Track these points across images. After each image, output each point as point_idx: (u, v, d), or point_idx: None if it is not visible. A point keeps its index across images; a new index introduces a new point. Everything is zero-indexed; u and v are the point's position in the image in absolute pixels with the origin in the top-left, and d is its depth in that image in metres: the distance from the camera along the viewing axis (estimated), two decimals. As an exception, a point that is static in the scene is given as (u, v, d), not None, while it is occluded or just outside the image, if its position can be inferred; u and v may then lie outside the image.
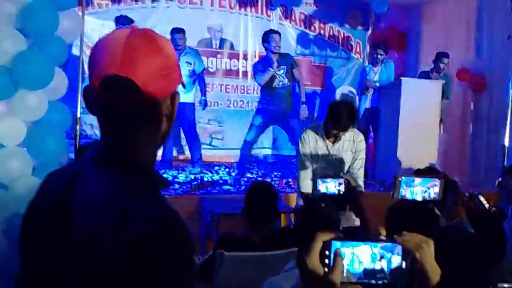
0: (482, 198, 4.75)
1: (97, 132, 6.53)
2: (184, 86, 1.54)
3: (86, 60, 5.71)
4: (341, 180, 3.65)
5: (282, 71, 7.32)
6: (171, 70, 1.28)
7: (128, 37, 1.25)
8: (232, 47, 9.20)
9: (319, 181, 3.70)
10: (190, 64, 7.50)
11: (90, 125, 7.65)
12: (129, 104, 1.24)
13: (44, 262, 1.28)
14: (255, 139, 7.67)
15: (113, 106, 1.26)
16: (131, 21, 7.38)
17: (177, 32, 7.49)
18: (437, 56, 8.31)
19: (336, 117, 4.45)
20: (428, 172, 4.04)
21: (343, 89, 9.97)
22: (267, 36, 7.33)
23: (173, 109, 1.33)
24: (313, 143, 4.67)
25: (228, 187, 6.86)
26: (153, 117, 1.29)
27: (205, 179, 7.46)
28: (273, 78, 7.30)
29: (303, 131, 4.94)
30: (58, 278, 1.23)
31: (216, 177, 7.64)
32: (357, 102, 8.98)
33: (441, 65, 8.22)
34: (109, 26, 7.61)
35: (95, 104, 1.28)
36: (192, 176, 7.40)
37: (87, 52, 6.53)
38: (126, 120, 1.27)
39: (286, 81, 7.37)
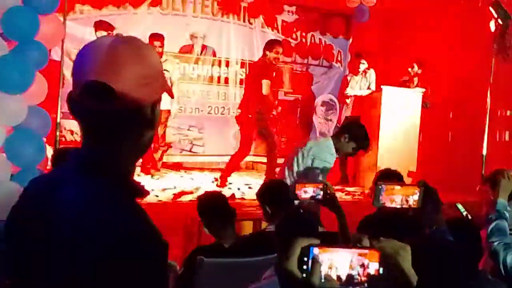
0: (460, 206, 4.79)
1: (77, 138, 6.51)
2: (172, 96, 1.54)
3: (66, 65, 5.73)
4: (320, 185, 3.66)
5: None
6: (154, 79, 1.29)
7: (111, 44, 1.26)
8: (214, 54, 9.19)
9: (298, 186, 3.70)
10: (168, 72, 7.44)
11: (70, 131, 7.59)
12: (109, 111, 1.24)
13: (26, 268, 1.28)
14: None
15: (93, 112, 1.26)
16: (111, 26, 7.26)
17: (155, 39, 7.39)
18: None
19: (366, 140, 4.63)
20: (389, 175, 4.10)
21: (324, 97, 10.02)
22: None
23: (155, 117, 1.33)
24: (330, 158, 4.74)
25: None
26: (134, 125, 1.29)
27: (187, 185, 7.42)
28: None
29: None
30: (37, 283, 1.24)
31: (197, 184, 7.61)
32: (338, 110, 9.04)
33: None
34: (91, 32, 7.56)
35: (77, 110, 1.29)
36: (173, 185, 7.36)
37: (70, 57, 6.52)
38: (106, 127, 1.27)
39: None
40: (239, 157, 7.54)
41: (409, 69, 8.42)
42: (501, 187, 3.69)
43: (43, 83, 4.49)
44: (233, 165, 7.59)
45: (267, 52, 7.24)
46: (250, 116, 7.28)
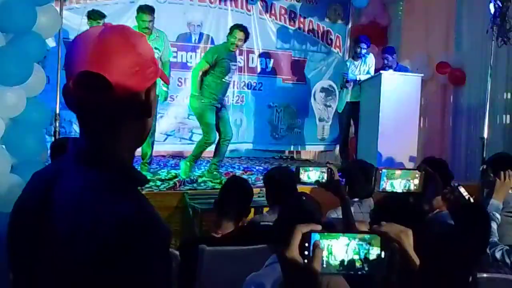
0: (462, 190, 4.78)
1: (76, 128, 6.48)
2: (167, 82, 1.52)
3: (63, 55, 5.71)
4: (324, 169, 3.64)
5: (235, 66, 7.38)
6: (144, 66, 1.29)
7: (100, 34, 1.27)
8: (212, 41, 9.14)
9: (301, 170, 3.69)
10: (159, 51, 6.96)
11: (69, 121, 7.58)
12: (102, 101, 1.25)
13: (28, 265, 1.28)
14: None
15: (87, 103, 1.27)
16: (103, 16, 7.01)
17: (144, 11, 6.72)
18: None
19: None
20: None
21: (323, 83, 9.99)
22: None
23: (150, 104, 1.34)
24: None
25: (211, 183, 6.80)
26: (129, 114, 1.30)
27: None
28: (226, 70, 7.13)
29: None
30: (39, 274, 1.24)
31: (198, 172, 7.60)
32: (337, 96, 9.01)
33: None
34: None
35: (71, 102, 1.29)
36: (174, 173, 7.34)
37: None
38: (100, 117, 1.28)
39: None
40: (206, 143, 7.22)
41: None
42: (495, 188, 3.66)
43: (41, 75, 4.47)
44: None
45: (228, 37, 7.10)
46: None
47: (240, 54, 9.24)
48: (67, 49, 1.32)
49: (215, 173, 7.18)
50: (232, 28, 7.11)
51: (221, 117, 7.16)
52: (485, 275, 2.89)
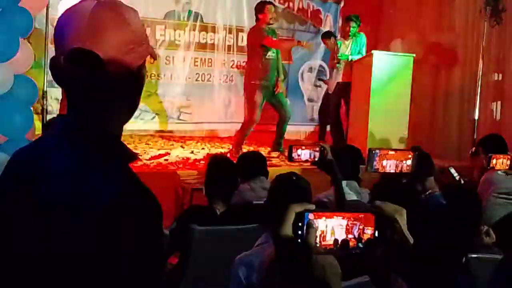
0: (453, 171, 4.79)
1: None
2: (155, 58, 1.49)
3: (52, 32, 5.61)
4: (316, 148, 3.61)
5: None
6: (137, 44, 1.28)
7: (94, 9, 1.24)
8: (201, 19, 9.03)
9: (294, 149, 3.66)
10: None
11: (56, 99, 7.47)
12: (94, 78, 1.23)
13: (15, 237, 1.26)
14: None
15: (78, 80, 1.24)
16: None
17: None
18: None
19: None
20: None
21: (311, 64, 9.93)
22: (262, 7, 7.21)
23: (141, 82, 1.34)
24: None
25: (202, 161, 6.77)
26: (119, 91, 1.28)
27: (176, 153, 7.37)
28: (265, 48, 7.18)
29: None
30: (29, 253, 1.22)
31: (187, 151, 7.55)
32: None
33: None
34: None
35: (61, 77, 1.27)
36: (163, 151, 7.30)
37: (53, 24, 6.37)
38: (91, 94, 1.26)
39: (275, 55, 7.28)
40: (244, 124, 7.40)
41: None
42: None
43: (29, 51, 4.40)
44: (242, 133, 7.44)
45: (259, 16, 7.18)
46: (253, 82, 7.21)
47: (230, 32, 9.15)
48: (58, 21, 1.28)
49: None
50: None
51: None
52: (474, 255, 2.87)
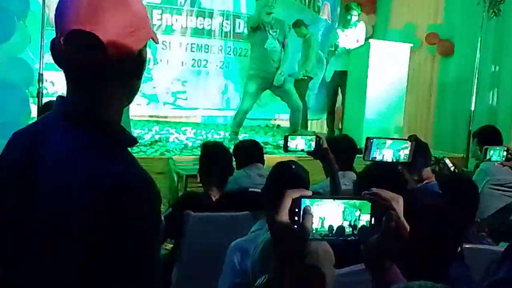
0: (448, 161, 4.79)
1: (59, 90, 6.34)
2: (156, 42, 1.47)
3: (49, 14, 5.56)
4: (312, 137, 3.60)
5: (275, 33, 7.19)
6: (138, 27, 1.26)
7: None
8: (198, 4, 8.97)
9: (289, 139, 3.65)
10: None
11: (51, 82, 7.42)
12: (94, 61, 1.22)
13: (10, 219, 1.26)
14: (251, 108, 7.46)
15: (78, 62, 1.23)
16: None
17: None
18: None
19: None
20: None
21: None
22: None
23: (141, 66, 1.32)
24: None
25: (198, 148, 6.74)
26: (119, 75, 1.27)
27: (171, 139, 7.35)
28: (265, 37, 7.13)
29: None
30: (25, 235, 1.22)
31: (182, 137, 7.52)
32: (325, 64, 8.91)
33: None
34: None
35: (60, 59, 1.26)
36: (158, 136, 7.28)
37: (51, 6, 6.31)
38: (92, 77, 1.25)
39: (278, 46, 7.22)
40: (237, 112, 7.44)
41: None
42: None
43: (25, 33, 4.36)
44: (234, 120, 7.52)
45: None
46: (250, 72, 7.28)
47: (227, 18, 9.11)
48: (58, 3, 1.26)
49: None
50: None
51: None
52: (468, 245, 2.87)
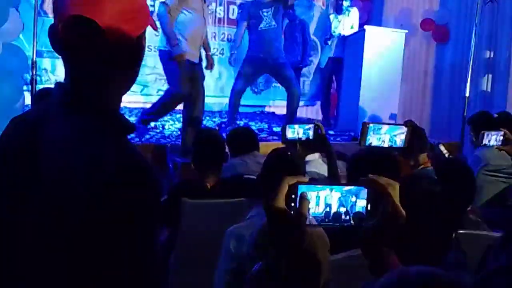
0: (442, 148, 4.79)
1: (53, 77, 6.30)
2: (155, 29, 1.46)
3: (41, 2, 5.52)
4: (310, 126, 3.59)
5: (269, 12, 6.95)
6: (137, 14, 1.27)
7: None
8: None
9: (288, 127, 3.64)
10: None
11: (44, 69, 7.38)
12: (92, 47, 1.22)
13: (10, 205, 1.25)
14: (243, 89, 7.27)
15: (76, 48, 1.24)
16: None
17: None
18: None
19: None
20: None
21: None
22: None
23: (140, 53, 1.33)
24: None
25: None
26: (118, 61, 1.27)
27: (167, 127, 7.32)
28: (259, 19, 6.96)
29: None
30: (25, 221, 1.21)
31: (177, 125, 7.50)
32: (320, 51, 8.89)
33: None
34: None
35: (59, 45, 1.26)
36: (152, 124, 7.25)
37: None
38: (90, 63, 1.25)
39: (273, 23, 6.97)
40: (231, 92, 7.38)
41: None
42: None
43: (18, 20, 4.33)
44: (229, 103, 7.41)
45: None
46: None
47: (220, 5, 9.05)
48: None
49: None
50: None
51: None
52: (463, 231, 2.88)
